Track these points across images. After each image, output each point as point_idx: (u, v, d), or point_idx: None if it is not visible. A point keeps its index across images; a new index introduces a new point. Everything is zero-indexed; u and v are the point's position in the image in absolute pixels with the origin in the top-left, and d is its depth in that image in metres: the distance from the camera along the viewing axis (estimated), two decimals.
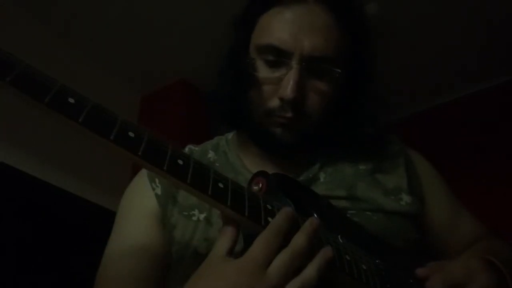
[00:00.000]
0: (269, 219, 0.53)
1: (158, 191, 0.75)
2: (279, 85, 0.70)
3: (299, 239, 0.52)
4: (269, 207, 0.54)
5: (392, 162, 0.80)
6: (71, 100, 0.46)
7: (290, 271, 0.49)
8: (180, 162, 0.51)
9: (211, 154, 0.82)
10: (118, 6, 2.42)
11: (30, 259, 2.06)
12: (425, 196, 0.80)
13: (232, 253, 0.52)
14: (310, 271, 0.51)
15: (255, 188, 0.64)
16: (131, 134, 0.49)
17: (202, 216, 0.71)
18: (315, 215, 0.63)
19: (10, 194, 2.06)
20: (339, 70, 0.71)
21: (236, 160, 0.80)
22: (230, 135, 0.86)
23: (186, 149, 0.84)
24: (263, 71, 0.72)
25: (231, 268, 0.50)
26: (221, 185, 0.52)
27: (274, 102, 0.70)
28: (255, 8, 0.76)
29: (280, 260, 0.49)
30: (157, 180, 0.76)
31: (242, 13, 0.79)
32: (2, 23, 2.22)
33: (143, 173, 0.79)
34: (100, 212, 2.30)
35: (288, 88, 0.68)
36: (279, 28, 0.71)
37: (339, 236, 0.61)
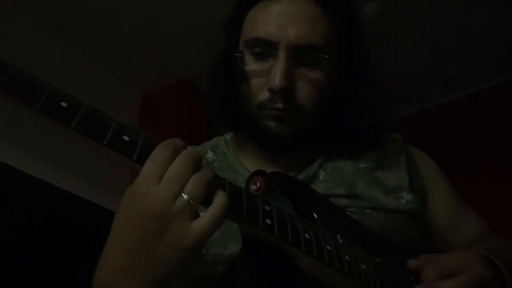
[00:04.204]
0: (267, 221, 0.53)
1: None
2: (268, 77, 0.69)
3: (188, 150, 0.49)
4: (267, 208, 0.54)
5: (393, 160, 0.79)
6: (64, 104, 0.45)
7: (183, 178, 0.46)
8: None
9: (209, 155, 0.82)
10: (118, 6, 2.42)
11: (30, 259, 2.06)
12: (427, 194, 0.80)
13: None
14: (205, 170, 0.48)
15: (253, 187, 0.64)
16: (125, 138, 0.48)
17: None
18: (315, 214, 0.63)
19: (10, 194, 2.06)
20: (326, 56, 0.70)
21: (235, 159, 0.80)
22: (228, 136, 0.86)
23: None
24: (251, 65, 0.72)
25: (127, 196, 0.48)
26: None
27: (264, 95, 0.70)
28: (242, 5, 0.77)
29: (170, 170, 0.46)
30: None
31: (231, 12, 0.79)
32: (2, 23, 2.22)
33: None
34: (100, 212, 2.30)
35: (275, 77, 0.67)
36: (264, 20, 0.71)
37: (338, 236, 0.61)
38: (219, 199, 0.48)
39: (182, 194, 0.46)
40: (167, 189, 0.46)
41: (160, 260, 0.46)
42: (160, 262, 0.46)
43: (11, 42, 2.06)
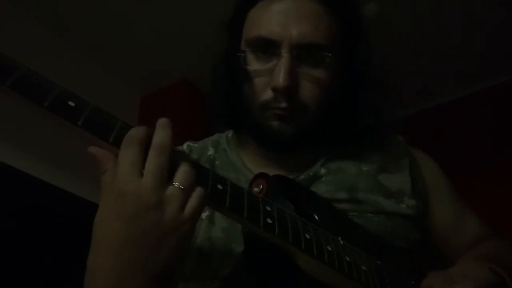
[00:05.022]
0: (268, 220, 0.53)
1: None
2: (271, 76, 0.69)
3: (157, 137, 0.49)
4: (268, 208, 0.54)
5: (396, 164, 0.79)
6: (71, 104, 0.47)
7: (160, 168, 0.47)
8: None
9: (211, 151, 0.82)
10: (118, 6, 2.42)
11: (30, 259, 2.06)
12: (429, 197, 0.80)
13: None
14: (189, 159, 0.50)
15: (256, 189, 0.64)
16: None
17: (204, 215, 0.71)
18: (316, 217, 0.63)
19: (10, 194, 2.06)
20: (330, 54, 0.70)
21: (236, 159, 0.79)
22: (230, 133, 0.86)
23: (185, 146, 0.84)
24: (254, 64, 0.72)
25: (113, 199, 0.47)
26: (220, 186, 0.52)
27: (268, 94, 0.70)
28: (243, 4, 0.77)
29: (147, 165, 0.47)
30: None
31: (232, 11, 0.79)
32: (2, 23, 2.22)
33: None
34: None
35: (279, 77, 0.67)
36: (266, 19, 0.71)
37: (339, 238, 0.61)
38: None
39: (174, 183, 0.48)
40: (151, 181, 0.46)
41: (163, 250, 0.46)
42: (164, 253, 0.46)
43: (11, 42, 2.06)
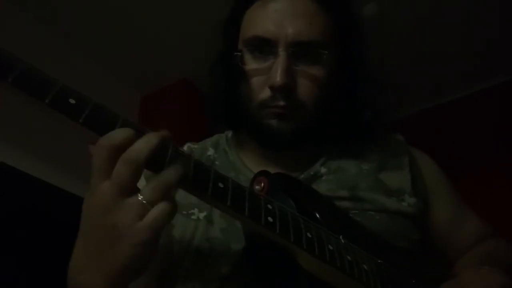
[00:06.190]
0: (269, 218, 0.53)
1: None
2: (268, 75, 0.69)
3: (134, 147, 0.47)
4: (269, 207, 0.54)
5: (396, 162, 0.79)
6: (72, 101, 0.47)
7: (125, 178, 0.47)
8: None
9: (211, 152, 0.82)
10: (118, 6, 2.42)
11: (30, 259, 2.06)
12: (429, 197, 0.80)
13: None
14: (170, 173, 0.48)
15: (257, 187, 0.64)
16: None
17: (202, 215, 0.71)
18: (317, 215, 0.63)
19: (10, 194, 2.06)
20: (326, 52, 0.70)
21: (236, 159, 0.79)
22: (229, 133, 0.86)
23: (185, 147, 0.84)
24: (251, 64, 0.72)
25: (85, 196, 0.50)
26: (221, 184, 0.52)
27: (265, 93, 0.70)
28: (240, 4, 0.77)
29: (118, 163, 0.47)
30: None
31: (229, 12, 0.80)
32: (2, 23, 2.22)
33: None
34: None
35: (276, 75, 0.67)
36: (262, 19, 0.72)
37: (341, 237, 0.61)
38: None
39: (139, 195, 0.47)
40: (111, 187, 0.47)
41: (118, 253, 0.47)
42: (119, 256, 0.47)
43: (10, 42, 2.06)
